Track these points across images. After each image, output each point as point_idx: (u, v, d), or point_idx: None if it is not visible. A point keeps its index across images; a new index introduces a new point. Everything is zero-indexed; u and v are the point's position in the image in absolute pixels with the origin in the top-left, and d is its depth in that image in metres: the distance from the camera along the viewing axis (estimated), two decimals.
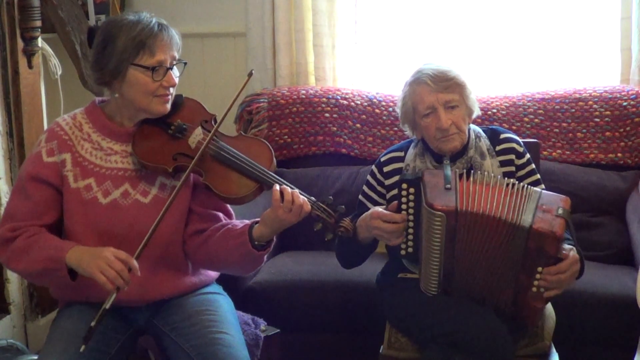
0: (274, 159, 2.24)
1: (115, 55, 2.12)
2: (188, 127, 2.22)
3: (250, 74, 2.25)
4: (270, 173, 2.18)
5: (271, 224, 2.13)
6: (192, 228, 2.24)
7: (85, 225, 2.16)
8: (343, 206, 2.17)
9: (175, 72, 2.19)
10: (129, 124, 2.22)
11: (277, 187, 2.12)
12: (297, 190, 2.13)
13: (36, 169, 2.17)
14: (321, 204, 2.15)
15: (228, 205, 2.29)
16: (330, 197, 2.18)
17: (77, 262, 2.06)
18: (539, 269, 2.15)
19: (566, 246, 2.18)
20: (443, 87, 2.35)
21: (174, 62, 2.17)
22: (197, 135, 2.21)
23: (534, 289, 2.17)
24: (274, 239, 2.20)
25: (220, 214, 2.27)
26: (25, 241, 2.12)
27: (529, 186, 2.24)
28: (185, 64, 2.21)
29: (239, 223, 2.23)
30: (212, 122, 2.26)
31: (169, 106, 2.20)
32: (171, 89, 2.18)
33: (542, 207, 2.16)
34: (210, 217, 2.25)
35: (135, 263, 2.03)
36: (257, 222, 2.17)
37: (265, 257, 2.21)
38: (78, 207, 2.16)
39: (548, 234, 2.11)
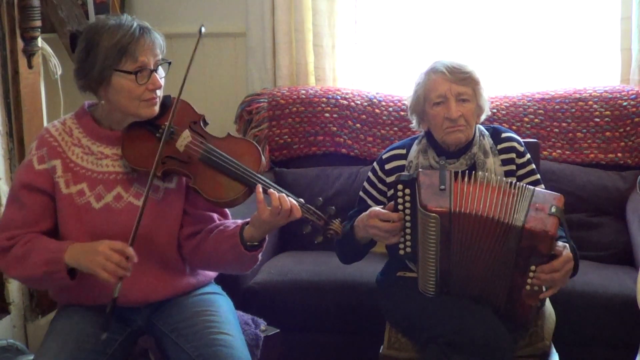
0: (263, 160, 2.22)
1: (98, 62, 2.11)
2: (175, 129, 2.20)
3: (200, 31, 2.15)
4: (259, 175, 2.16)
5: (259, 226, 2.13)
6: (186, 230, 2.25)
7: (80, 230, 2.16)
8: (333, 207, 2.17)
9: (161, 73, 2.17)
10: (118, 127, 2.22)
11: (260, 188, 2.11)
12: (284, 193, 2.12)
13: (29, 178, 2.17)
14: (310, 207, 2.15)
15: None
16: (320, 199, 2.18)
17: (76, 261, 2.07)
18: (532, 267, 2.15)
19: (560, 244, 2.19)
20: (458, 78, 2.38)
21: (158, 64, 2.16)
22: (185, 138, 2.20)
23: (528, 287, 2.18)
24: (267, 238, 2.20)
25: (215, 215, 2.27)
26: (22, 248, 2.12)
27: (523, 184, 2.24)
28: (169, 63, 2.18)
29: (231, 224, 2.23)
30: (201, 123, 2.25)
31: (157, 109, 2.18)
32: (158, 92, 2.17)
33: (535, 205, 2.16)
34: (204, 218, 2.25)
35: (131, 250, 2.04)
36: (248, 223, 2.17)
37: (260, 255, 2.21)
38: (71, 212, 2.16)
39: (541, 233, 2.11)
